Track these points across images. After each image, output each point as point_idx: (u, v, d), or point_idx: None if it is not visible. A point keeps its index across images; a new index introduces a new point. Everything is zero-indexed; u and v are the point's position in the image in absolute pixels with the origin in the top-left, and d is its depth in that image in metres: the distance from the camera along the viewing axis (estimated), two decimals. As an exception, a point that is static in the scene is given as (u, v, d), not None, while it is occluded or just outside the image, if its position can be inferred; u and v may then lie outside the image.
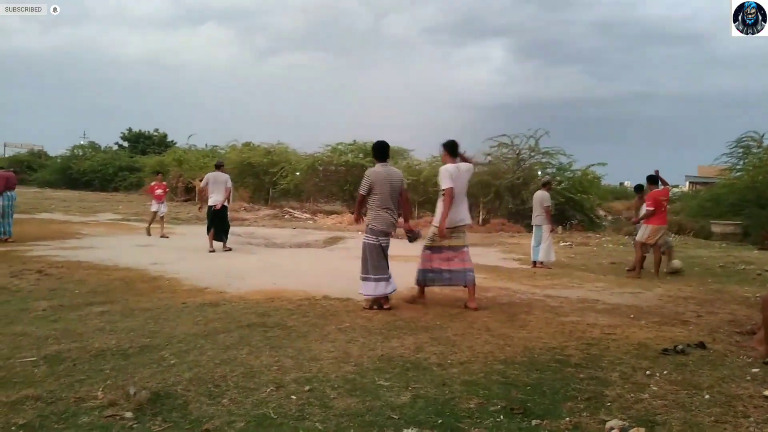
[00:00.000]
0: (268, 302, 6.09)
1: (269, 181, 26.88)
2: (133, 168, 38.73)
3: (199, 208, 10.26)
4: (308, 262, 10.13)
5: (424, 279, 6.41)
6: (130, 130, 48.82)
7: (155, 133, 48.81)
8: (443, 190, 6.19)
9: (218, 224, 10.87)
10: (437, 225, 6.24)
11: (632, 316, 6.17)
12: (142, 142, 47.23)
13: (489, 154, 22.08)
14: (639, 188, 11.37)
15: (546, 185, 11.09)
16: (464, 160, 6.56)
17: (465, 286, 6.33)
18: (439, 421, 3.12)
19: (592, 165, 21.68)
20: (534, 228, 10.52)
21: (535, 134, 21.27)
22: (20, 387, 3.38)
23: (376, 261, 5.97)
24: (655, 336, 5.22)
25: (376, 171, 6.07)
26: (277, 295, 6.46)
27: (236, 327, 4.98)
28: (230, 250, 10.86)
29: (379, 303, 5.99)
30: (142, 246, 11.06)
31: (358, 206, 6.37)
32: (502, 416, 3.23)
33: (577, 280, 8.76)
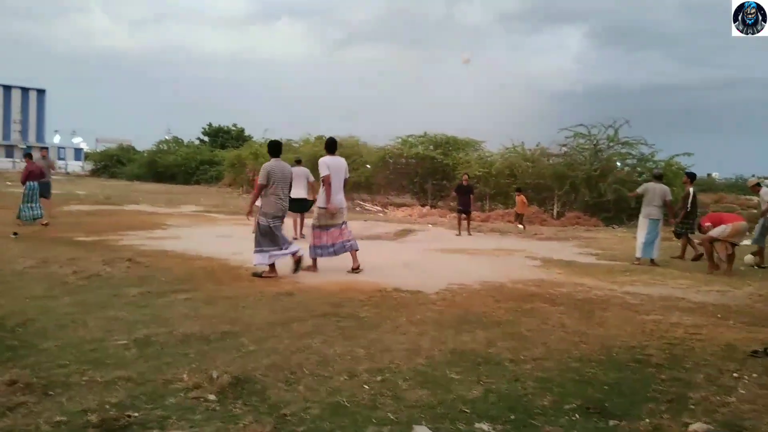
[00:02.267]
0: (340, 293, 6.22)
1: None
2: (213, 162, 40.39)
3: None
4: (379, 254, 10.22)
5: (315, 253, 7.64)
6: (210, 125, 50.91)
7: (233, 128, 50.64)
8: (322, 177, 7.54)
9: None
10: (324, 206, 7.58)
11: (719, 315, 5.84)
12: (221, 137, 49.14)
13: (564, 145, 21.40)
14: (692, 176, 11.02)
15: (660, 177, 10.54)
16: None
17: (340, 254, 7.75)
18: (512, 417, 3.09)
19: (677, 155, 20.51)
20: (649, 222, 9.92)
21: (614, 124, 20.39)
22: (113, 368, 3.63)
23: (269, 237, 7.12)
24: (743, 337, 4.92)
25: (273, 165, 7.18)
26: (350, 286, 6.58)
27: (311, 316, 5.12)
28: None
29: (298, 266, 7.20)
30: (223, 237, 11.55)
31: (256, 193, 7.37)
32: (577, 415, 3.16)
33: (659, 277, 8.37)
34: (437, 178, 24.46)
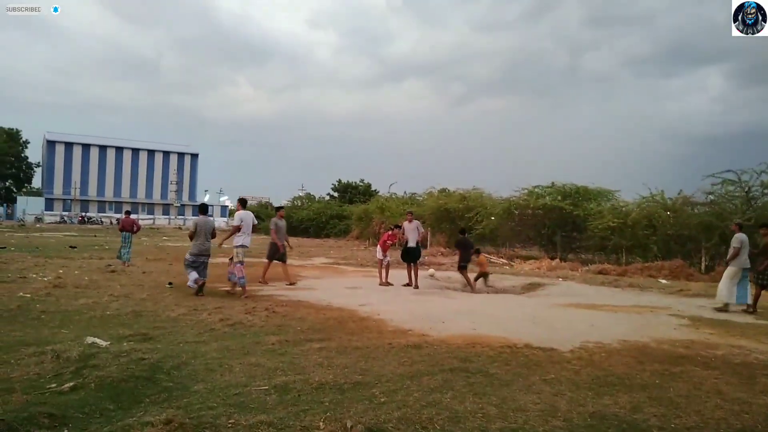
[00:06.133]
0: (468, 347, 6.11)
1: (465, 226, 27.20)
2: (341, 216, 42.25)
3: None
4: (507, 308, 9.95)
5: (242, 283, 10.05)
6: (339, 181, 53.68)
7: (361, 183, 52.90)
8: (234, 225, 10.57)
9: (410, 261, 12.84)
10: (241, 244, 10.30)
11: None
12: (349, 192, 51.50)
13: (710, 193, 19.66)
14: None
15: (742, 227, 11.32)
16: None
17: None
18: (665, 492, 2.81)
19: None
20: (743, 271, 10.95)
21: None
22: (256, 412, 3.84)
23: (193, 269, 9.94)
24: None
25: (198, 218, 10.30)
26: (478, 341, 6.45)
27: (439, 370, 5.07)
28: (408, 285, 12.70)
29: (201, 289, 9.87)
30: (351, 288, 11.92)
31: (190, 237, 10.25)
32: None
33: (835, 341, 7.27)
34: (567, 229, 23.53)
